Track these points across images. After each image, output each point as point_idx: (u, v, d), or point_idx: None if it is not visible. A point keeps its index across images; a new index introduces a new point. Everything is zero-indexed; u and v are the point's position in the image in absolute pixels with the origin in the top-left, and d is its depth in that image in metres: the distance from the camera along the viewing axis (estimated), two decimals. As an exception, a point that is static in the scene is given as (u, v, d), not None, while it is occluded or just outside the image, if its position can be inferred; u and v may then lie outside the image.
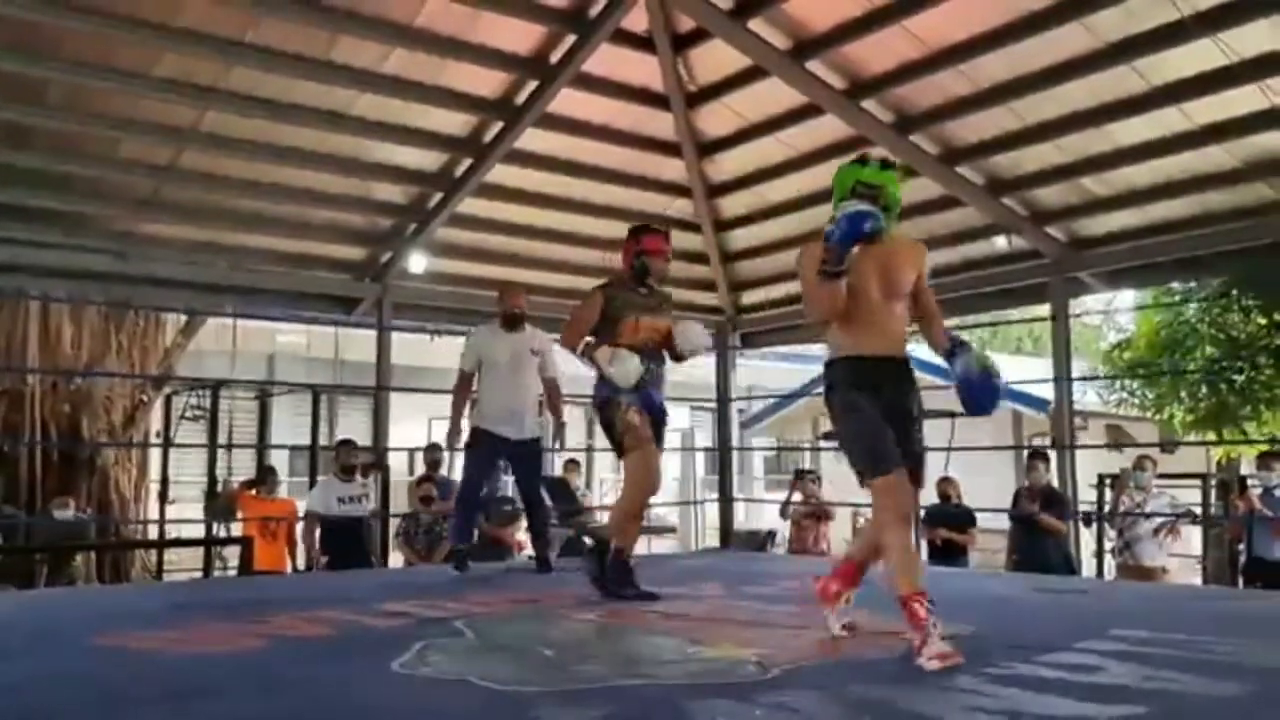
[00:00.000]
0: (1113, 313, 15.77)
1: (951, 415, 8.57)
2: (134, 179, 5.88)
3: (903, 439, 2.89)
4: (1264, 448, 7.42)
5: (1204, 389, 8.81)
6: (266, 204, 6.32)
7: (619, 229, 7.43)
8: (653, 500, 4.49)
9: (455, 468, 11.17)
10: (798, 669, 2.68)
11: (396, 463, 8.23)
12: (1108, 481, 7.76)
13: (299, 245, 6.73)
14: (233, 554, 7.55)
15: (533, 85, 5.95)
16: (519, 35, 5.71)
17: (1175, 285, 9.31)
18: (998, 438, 10.61)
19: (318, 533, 6.59)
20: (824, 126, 6.15)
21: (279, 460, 9.72)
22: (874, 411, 2.86)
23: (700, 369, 9.59)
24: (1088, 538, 7.38)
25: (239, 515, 7.46)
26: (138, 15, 4.88)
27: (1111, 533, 7.17)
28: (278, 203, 6.32)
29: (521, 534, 8.61)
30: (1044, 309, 6.86)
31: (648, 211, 7.21)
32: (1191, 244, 5.80)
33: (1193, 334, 9.17)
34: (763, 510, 12.75)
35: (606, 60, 5.97)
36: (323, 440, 9.02)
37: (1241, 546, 6.72)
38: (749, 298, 8.01)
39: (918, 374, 3.17)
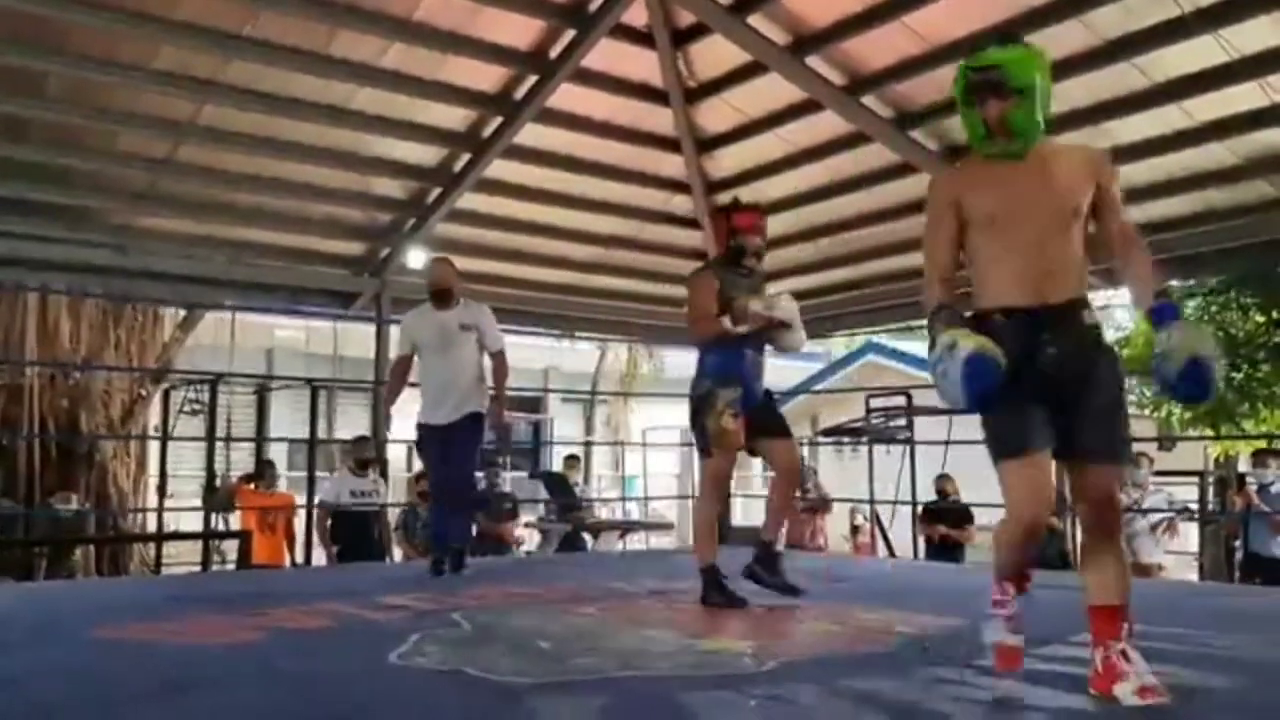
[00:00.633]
0: (1111, 310, 15.77)
1: (949, 413, 8.59)
2: (132, 172, 5.88)
3: (1070, 413, 2.23)
4: (1261, 444, 7.44)
5: (1202, 386, 8.82)
6: (265, 198, 6.32)
7: (618, 225, 7.47)
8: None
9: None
10: (793, 662, 2.69)
11: (395, 458, 8.24)
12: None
13: (298, 240, 6.73)
14: (231, 548, 7.55)
15: (532, 80, 5.95)
16: (518, 30, 5.70)
17: (1174, 283, 9.31)
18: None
19: (328, 523, 6.63)
20: (823, 122, 6.15)
21: (278, 455, 9.73)
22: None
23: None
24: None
25: (237, 508, 7.47)
26: (136, 8, 4.87)
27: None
28: (277, 197, 6.32)
29: (520, 529, 8.65)
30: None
31: (646, 207, 7.22)
32: (1191, 241, 5.80)
33: (1191, 332, 9.18)
34: (760, 506, 12.73)
35: (606, 55, 5.96)
36: (321, 435, 9.01)
37: (1238, 543, 6.74)
38: (748, 294, 8.02)
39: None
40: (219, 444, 8.71)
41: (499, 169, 6.47)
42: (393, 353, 5.03)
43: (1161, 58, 4.91)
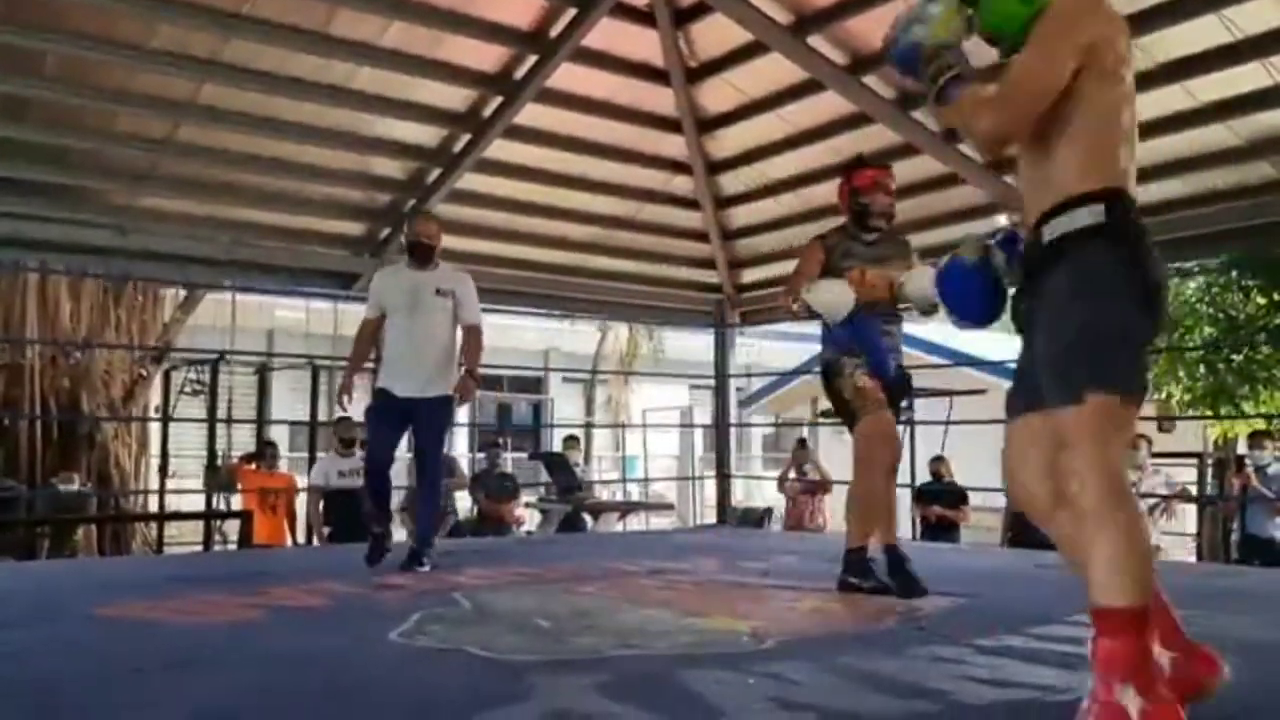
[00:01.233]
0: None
1: (949, 394, 8.62)
2: (132, 152, 5.85)
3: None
4: (1260, 425, 7.46)
5: (1202, 368, 8.83)
6: (265, 178, 6.30)
7: (618, 205, 7.44)
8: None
9: (455, 444, 11.22)
10: (791, 641, 2.71)
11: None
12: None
13: (298, 220, 6.71)
14: (232, 528, 7.59)
15: (532, 59, 5.91)
16: (519, 8, 5.66)
17: (1175, 265, 9.31)
18: (997, 415, 10.59)
19: (321, 505, 6.65)
20: (825, 102, 6.11)
21: (279, 435, 9.76)
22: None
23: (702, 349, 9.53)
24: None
25: (239, 489, 7.50)
26: (134, -14, 4.84)
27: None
28: (276, 177, 6.30)
29: (521, 509, 8.69)
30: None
31: (648, 187, 7.18)
32: (1193, 223, 5.78)
33: (1192, 314, 9.18)
34: (761, 487, 12.80)
35: (606, 34, 5.92)
36: (322, 416, 9.04)
37: (1235, 525, 6.77)
38: (749, 276, 8.00)
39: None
40: (220, 424, 8.74)
41: (499, 149, 6.43)
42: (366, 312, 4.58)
43: (1164, 38, 4.87)
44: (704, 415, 13.54)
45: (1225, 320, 8.84)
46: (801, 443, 9.14)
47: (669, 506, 11.98)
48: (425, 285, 4.44)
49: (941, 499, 7.64)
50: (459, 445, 12.04)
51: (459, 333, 4.54)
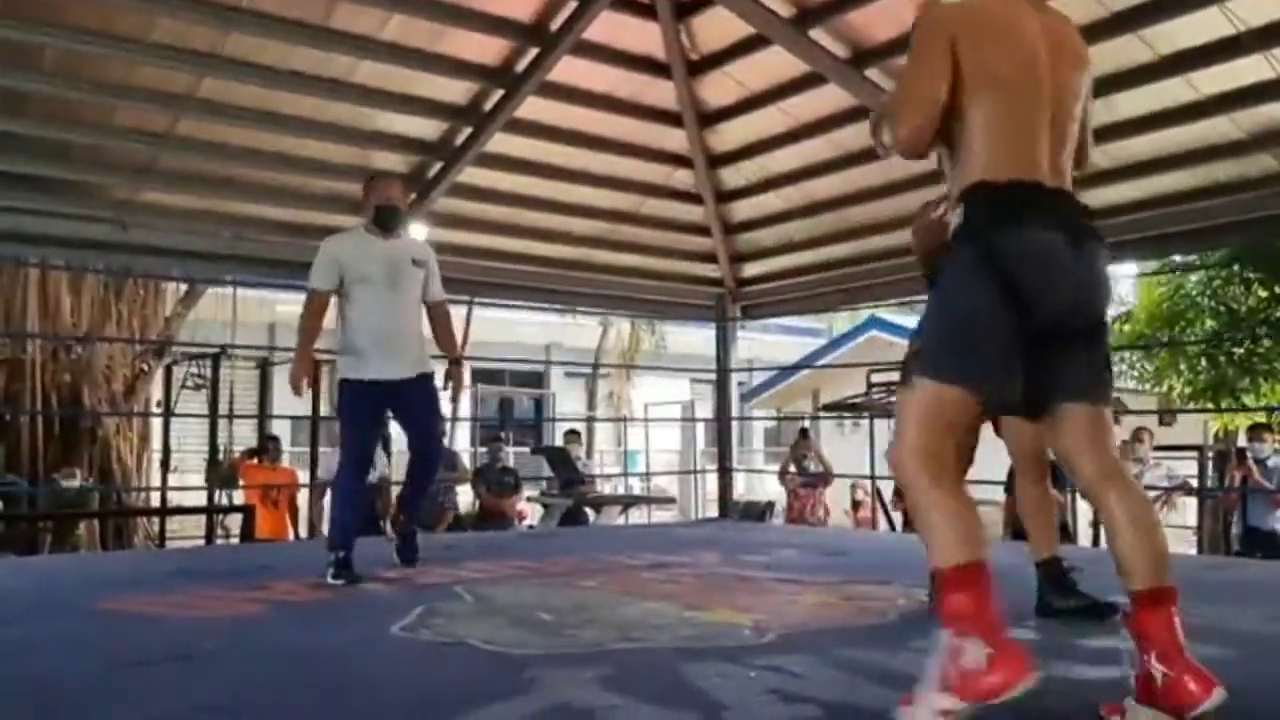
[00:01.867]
0: (1114, 283, 15.77)
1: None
2: (132, 147, 5.85)
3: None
4: (1261, 418, 7.46)
5: (1203, 362, 8.83)
6: (266, 173, 6.29)
7: (620, 200, 7.43)
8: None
9: (456, 438, 11.22)
10: (793, 634, 2.71)
11: (397, 432, 8.26)
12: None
13: (299, 215, 6.70)
14: (235, 522, 7.60)
15: (533, 53, 5.90)
16: (519, 1, 5.65)
17: (1176, 258, 9.29)
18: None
19: (327, 499, 6.66)
20: (826, 96, 6.10)
21: (280, 430, 9.77)
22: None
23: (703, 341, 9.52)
24: (1084, 508, 7.42)
25: (241, 484, 7.52)
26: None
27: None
28: (277, 171, 6.29)
29: (522, 504, 8.69)
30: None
31: (649, 181, 7.17)
32: (1195, 216, 5.77)
33: (1193, 307, 9.17)
34: (763, 481, 12.82)
35: (608, 28, 5.91)
36: (324, 411, 9.05)
37: (1236, 517, 6.78)
38: (750, 270, 8.00)
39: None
40: (222, 419, 8.75)
41: (500, 143, 6.43)
42: (310, 283, 3.92)
43: (1167, 30, 4.86)
44: (705, 409, 13.55)
45: (1226, 313, 8.84)
46: (804, 433, 9.13)
47: (670, 500, 11.99)
48: (402, 255, 3.93)
49: None
50: (461, 440, 12.06)
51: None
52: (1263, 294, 8.53)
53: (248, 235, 6.55)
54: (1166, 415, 8.77)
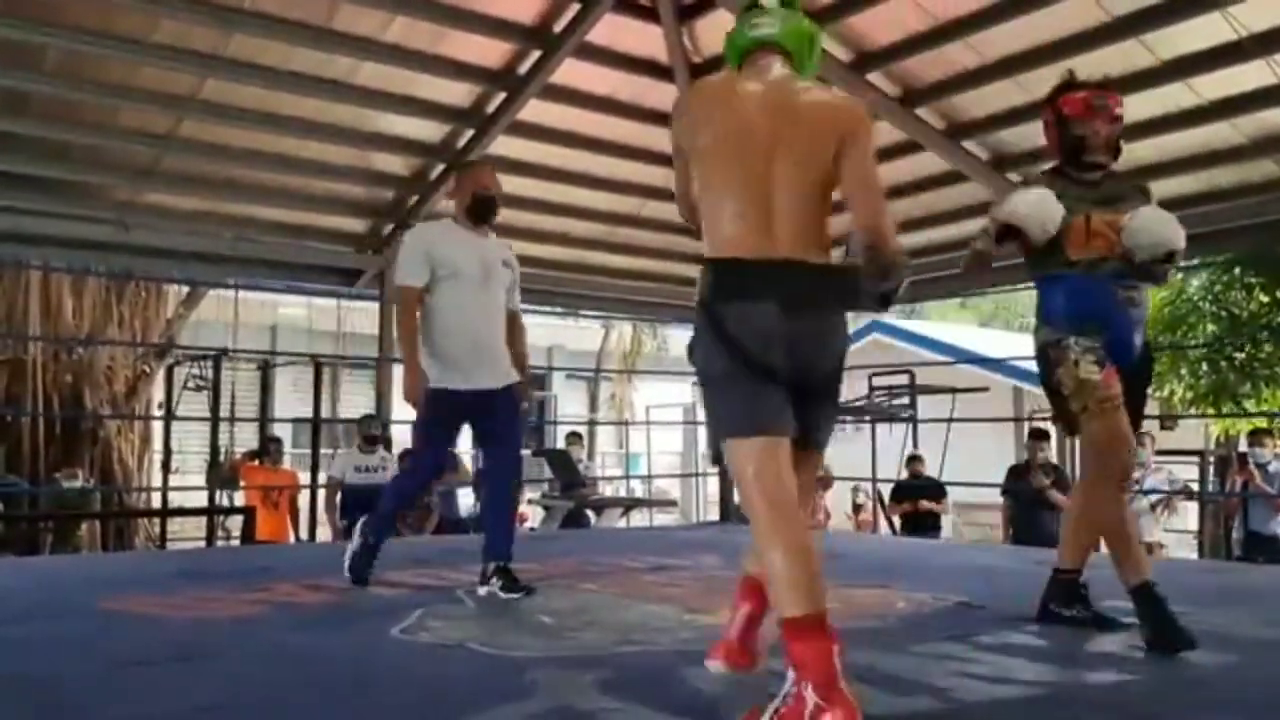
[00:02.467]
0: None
1: (952, 391, 8.61)
2: (134, 148, 5.86)
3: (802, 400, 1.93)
4: (1263, 423, 7.45)
5: (1204, 366, 8.81)
6: (267, 174, 6.30)
7: (622, 202, 7.44)
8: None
9: (457, 441, 11.20)
10: (794, 638, 2.70)
11: (400, 435, 8.26)
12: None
13: (301, 217, 6.72)
14: (235, 524, 7.60)
15: (536, 55, 5.91)
16: (522, 4, 5.66)
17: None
18: (999, 413, 10.62)
19: (338, 499, 6.68)
20: (827, 99, 6.11)
21: (281, 432, 9.77)
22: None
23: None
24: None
25: (242, 485, 7.51)
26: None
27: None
28: (279, 173, 6.30)
29: (524, 506, 8.68)
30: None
31: (651, 184, 7.17)
32: (1196, 220, 5.75)
33: (1194, 311, 9.16)
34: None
35: (610, 30, 5.92)
36: (325, 412, 9.06)
37: (1237, 522, 6.76)
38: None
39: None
40: (223, 421, 8.74)
41: (502, 145, 6.43)
42: (400, 279, 3.45)
43: (1169, 35, 4.86)
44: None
45: (1228, 318, 8.82)
46: None
47: (672, 503, 11.98)
48: (494, 254, 3.50)
49: (924, 494, 7.74)
50: (461, 442, 12.03)
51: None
52: (1264, 299, 8.51)
53: (249, 236, 6.56)
54: (1168, 420, 8.75)
